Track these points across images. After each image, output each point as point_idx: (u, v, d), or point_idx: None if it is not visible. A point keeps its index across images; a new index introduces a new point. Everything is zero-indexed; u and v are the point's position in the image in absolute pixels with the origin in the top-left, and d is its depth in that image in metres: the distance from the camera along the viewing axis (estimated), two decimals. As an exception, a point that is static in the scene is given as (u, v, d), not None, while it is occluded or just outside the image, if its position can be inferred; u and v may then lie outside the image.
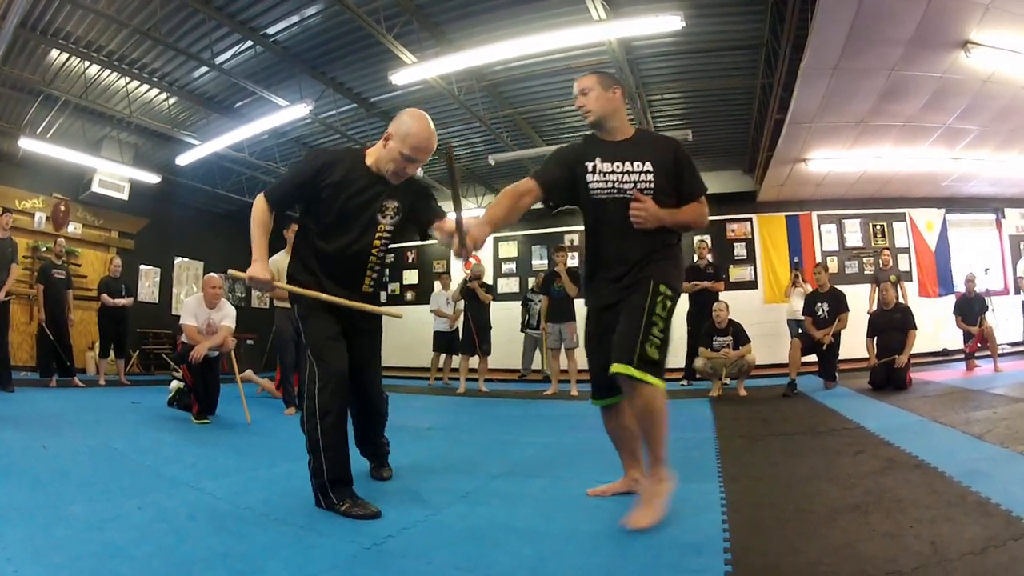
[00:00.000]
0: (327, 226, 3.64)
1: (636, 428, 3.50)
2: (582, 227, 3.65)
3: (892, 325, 9.14)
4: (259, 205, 3.63)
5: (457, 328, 12.56)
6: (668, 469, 3.23)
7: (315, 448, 3.38)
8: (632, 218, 3.36)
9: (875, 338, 9.33)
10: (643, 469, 3.61)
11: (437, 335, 12.99)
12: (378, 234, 3.69)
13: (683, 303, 11.21)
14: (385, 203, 3.68)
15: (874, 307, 11.51)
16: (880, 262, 12.83)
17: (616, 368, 3.18)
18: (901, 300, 10.88)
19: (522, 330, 13.04)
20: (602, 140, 3.60)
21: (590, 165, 3.50)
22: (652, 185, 3.40)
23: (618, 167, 3.45)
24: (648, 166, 3.42)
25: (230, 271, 3.73)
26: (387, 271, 3.82)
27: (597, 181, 3.48)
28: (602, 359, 3.41)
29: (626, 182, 3.43)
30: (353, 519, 3.19)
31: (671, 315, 3.32)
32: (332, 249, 3.64)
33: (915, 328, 9.05)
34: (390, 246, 3.81)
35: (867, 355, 9.41)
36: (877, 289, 11.61)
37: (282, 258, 8.01)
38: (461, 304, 12.26)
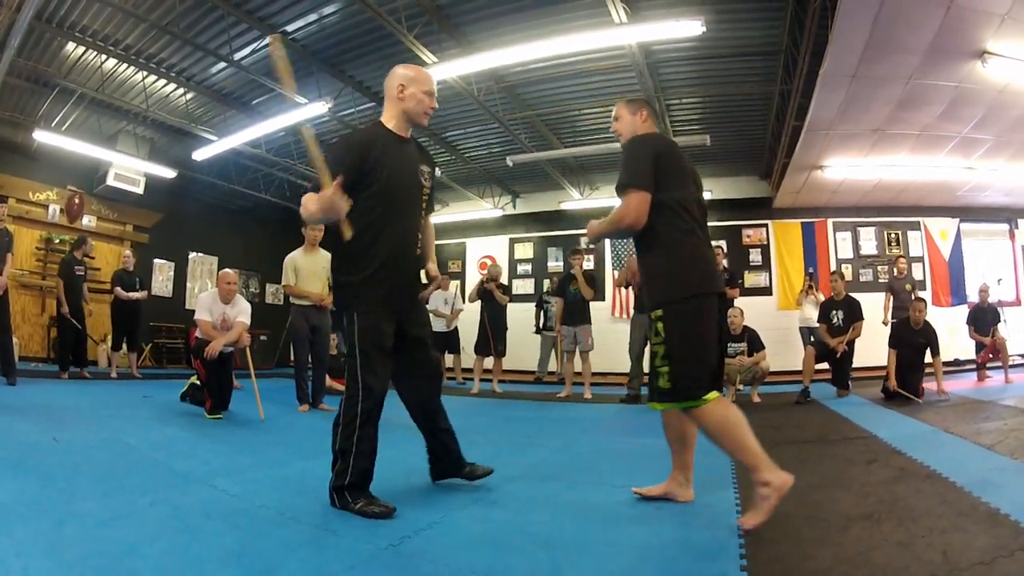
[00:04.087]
0: (382, 205, 3.52)
1: (686, 437, 3.69)
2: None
3: (917, 347, 8.83)
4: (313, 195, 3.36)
5: (456, 328, 12.58)
6: (767, 470, 3.08)
7: (346, 452, 3.39)
8: None
9: (897, 351, 8.95)
10: (688, 476, 3.70)
11: (435, 335, 12.97)
12: (423, 197, 3.74)
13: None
14: (421, 167, 3.71)
15: (889, 316, 11.49)
16: (895, 270, 12.70)
17: (651, 407, 3.45)
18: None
19: (537, 331, 13.04)
20: None
21: None
22: None
23: None
24: None
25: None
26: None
27: None
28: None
29: None
30: (368, 518, 3.20)
31: (674, 328, 3.30)
32: (390, 230, 3.53)
33: (939, 355, 8.89)
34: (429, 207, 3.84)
35: (884, 364, 9.27)
36: (892, 298, 11.61)
37: (300, 255, 8.05)
38: (460, 304, 12.27)
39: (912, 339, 8.84)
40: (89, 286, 11.62)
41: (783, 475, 3.06)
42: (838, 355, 9.37)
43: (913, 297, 10.95)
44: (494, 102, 11.81)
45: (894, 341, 9.05)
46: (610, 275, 16.05)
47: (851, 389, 9.59)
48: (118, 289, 11.42)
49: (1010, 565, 2.47)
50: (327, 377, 8.62)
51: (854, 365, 9.72)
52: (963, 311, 12.84)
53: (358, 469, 3.37)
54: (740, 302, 10.48)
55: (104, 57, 10.71)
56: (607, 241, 16.34)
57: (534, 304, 13.39)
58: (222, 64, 10.91)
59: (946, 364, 8.96)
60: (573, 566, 2.65)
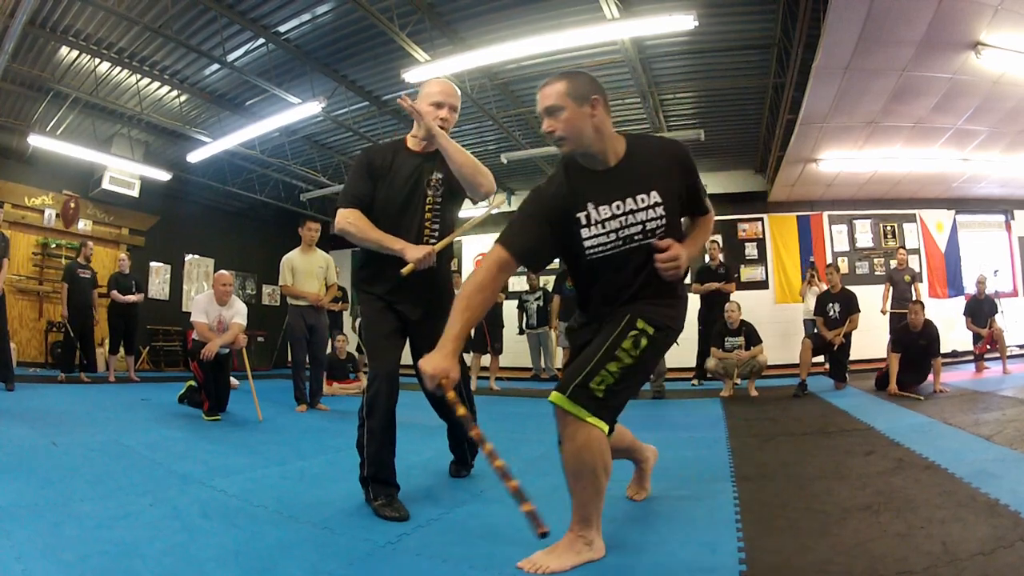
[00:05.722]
0: (381, 211, 3.65)
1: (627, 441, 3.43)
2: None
3: (918, 349, 8.71)
4: (346, 216, 3.56)
5: None
6: (597, 531, 2.67)
7: (359, 445, 3.49)
8: (665, 275, 2.67)
9: (899, 355, 8.74)
10: (648, 448, 3.65)
11: None
12: (428, 204, 3.72)
13: (694, 303, 11.21)
14: (430, 177, 3.70)
15: (888, 306, 11.48)
16: (895, 261, 12.62)
17: (552, 398, 2.72)
18: (915, 296, 10.90)
19: (520, 332, 12.99)
20: (590, 171, 2.75)
21: (582, 216, 2.69)
22: (663, 221, 2.68)
23: (618, 208, 2.68)
24: (655, 197, 2.67)
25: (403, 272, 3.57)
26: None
27: (596, 236, 2.69)
28: None
29: (632, 225, 2.68)
30: (380, 518, 3.22)
31: (646, 354, 2.65)
32: (389, 228, 3.60)
33: (939, 356, 8.79)
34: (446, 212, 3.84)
35: (881, 356, 9.24)
36: (891, 288, 11.59)
37: (296, 255, 8.06)
38: None
39: (914, 342, 8.72)
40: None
41: (602, 545, 2.68)
42: (835, 348, 9.38)
43: (913, 296, 10.97)
44: (488, 99, 11.80)
45: (896, 346, 8.87)
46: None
47: (848, 382, 9.59)
48: (114, 292, 11.40)
49: (1010, 556, 2.46)
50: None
51: (851, 358, 9.73)
52: (960, 302, 12.84)
53: (371, 462, 3.45)
54: (736, 296, 10.49)
55: (98, 61, 10.69)
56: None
57: (516, 306, 13.27)
58: (215, 66, 10.87)
59: (944, 356, 8.92)
60: (571, 560, 2.63)
